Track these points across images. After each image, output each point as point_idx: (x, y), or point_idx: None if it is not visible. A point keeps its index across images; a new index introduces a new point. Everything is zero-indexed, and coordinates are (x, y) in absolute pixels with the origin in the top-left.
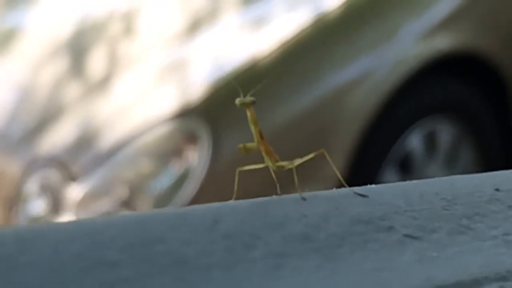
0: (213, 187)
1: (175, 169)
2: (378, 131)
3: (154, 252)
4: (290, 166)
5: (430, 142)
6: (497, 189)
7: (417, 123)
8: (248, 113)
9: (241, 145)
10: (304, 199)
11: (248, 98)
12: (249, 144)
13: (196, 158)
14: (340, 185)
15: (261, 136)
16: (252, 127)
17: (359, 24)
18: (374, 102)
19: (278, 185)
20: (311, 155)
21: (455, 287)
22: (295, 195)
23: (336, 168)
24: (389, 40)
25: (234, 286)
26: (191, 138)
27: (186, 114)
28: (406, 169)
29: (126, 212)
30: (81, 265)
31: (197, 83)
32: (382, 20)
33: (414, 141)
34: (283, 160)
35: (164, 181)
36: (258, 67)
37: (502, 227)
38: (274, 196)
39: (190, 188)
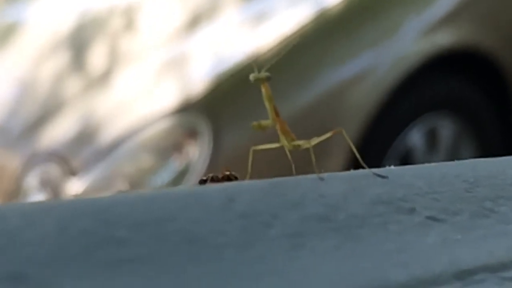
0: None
1: (175, 164)
2: (379, 127)
3: (165, 230)
4: (307, 146)
5: (431, 138)
6: None
7: (418, 119)
8: (263, 89)
9: (255, 123)
10: (321, 179)
11: (263, 74)
12: (264, 122)
13: (197, 153)
14: (356, 167)
15: (276, 113)
16: (267, 104)
17: (360, 20)
18: (375, 99)
19: (293, 166)
20: (328, 134)
21: (481, 271)
22: (312, 176)
23: (354, 147)
24: (390, 37)
25: (249, 265)
26: (192, 133)
27: (187, 109)
28: (407, 165)
29: (136, 190)
30: (88, 242)
31: (197, 78)
32: (383, 17)
33: (415, 138)
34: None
35: (164, 176)
36: (258, 63)
37: None
38: (290, 176)
39: (191, 183)
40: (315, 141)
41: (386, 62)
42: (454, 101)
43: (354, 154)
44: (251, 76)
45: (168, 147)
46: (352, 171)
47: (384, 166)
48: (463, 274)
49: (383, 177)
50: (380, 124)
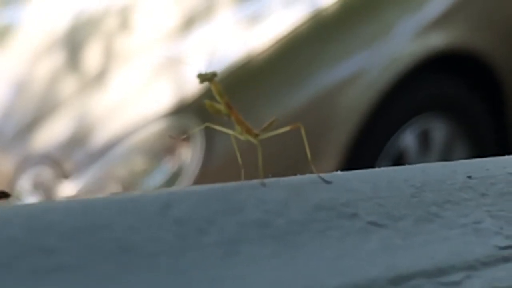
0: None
1: (168, 166)
2: (372, 129)
3: (97, 238)
4: (253, 140)
5: (424, 140)
6: (469, 177)
7: (411, 120)
8: (212, 87)
9: (208, 101)
10: (263, 184)
11: (209, 72)
12: (217, 104)
13: (189, 156)
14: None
15: (229, 106)
16: (219, 99)
17: (353, 21)
18: (368, 100)
19: (242, 171)
20: (286, 128)
21: (419, 276)
22: (254, 181)
23: (308, 149)
24: (383, 38)
25: (182, 273)
26: (185, 136)
27: (180, 111)
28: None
29: (68, 198)
30: (13, 251)
31: (191, 80)
32: (376, 18)
33: (408, 139)
34: None
35: (157, 179)
36: (253, 64)
37: (472, 215)
38: (231, 182)
39: (183, 185)
40: (270, 133)
41: (379, 63)
42: (448, 102)
43: (343, 159)
44: (198, 75)
45: (161, 149)
46: (297, 176)
47: (377, 167)
48: (399, 280)
49: (327, 182)
50: (373, 126)
